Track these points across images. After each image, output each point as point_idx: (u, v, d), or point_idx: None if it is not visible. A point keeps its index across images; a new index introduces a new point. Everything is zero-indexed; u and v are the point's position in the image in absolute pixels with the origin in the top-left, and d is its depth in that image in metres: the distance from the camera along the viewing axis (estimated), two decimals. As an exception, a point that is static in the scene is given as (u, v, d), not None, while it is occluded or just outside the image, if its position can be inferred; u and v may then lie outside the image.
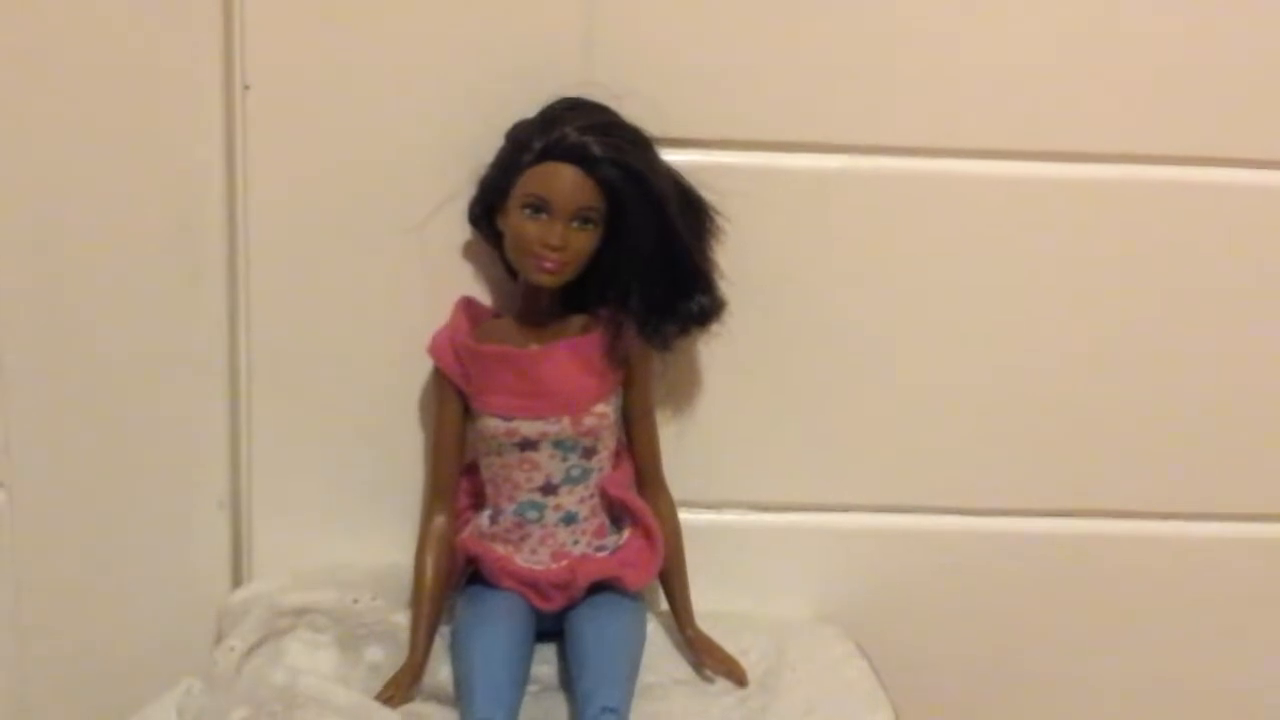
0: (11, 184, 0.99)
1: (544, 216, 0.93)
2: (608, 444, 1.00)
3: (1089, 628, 1.13)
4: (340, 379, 1.04)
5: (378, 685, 0.96)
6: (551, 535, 0.99)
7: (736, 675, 1.00)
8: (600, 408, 0.97)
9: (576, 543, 1.00)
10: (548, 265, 0.93)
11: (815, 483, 1.09)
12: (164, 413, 1.04)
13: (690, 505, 1.06)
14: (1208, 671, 1.15)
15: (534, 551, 0.99)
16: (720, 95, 1.00)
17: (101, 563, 1.07)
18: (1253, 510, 1.12)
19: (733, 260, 0.99)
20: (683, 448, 1.06)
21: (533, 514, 0.98)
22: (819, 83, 1.00)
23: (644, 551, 1.00)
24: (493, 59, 0.98)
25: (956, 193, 1.03)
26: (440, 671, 0.97)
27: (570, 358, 0.96)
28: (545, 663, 1.00)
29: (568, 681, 0.97)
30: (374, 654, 1.00)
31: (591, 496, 1.00)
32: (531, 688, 0.97)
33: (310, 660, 0.99)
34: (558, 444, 0.97)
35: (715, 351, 1.04)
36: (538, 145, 0.92)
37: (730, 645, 1.01)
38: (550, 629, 1.00)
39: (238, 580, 1.08)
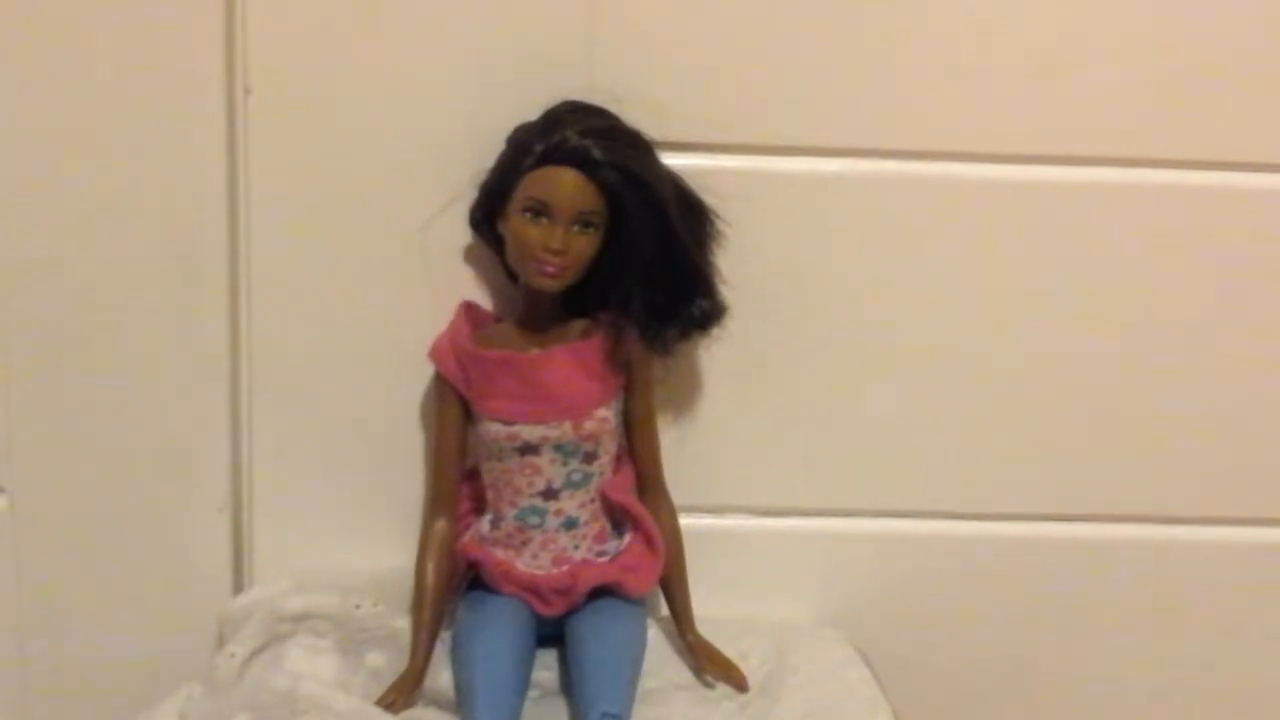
0: (14, 188, 0.99)
1: (545, 220, 0.93)
2: (609, 449, 0.99)
3: (1091, 632, 1.13)
4: (341, 383, 1.04)
5: (379, 690, 0.96)
6: (552, 540, 0.99)
7: (737, 681, 0.99)
8: (601, 412, 0.97)
9: (577, 548, 0.99)
10: (549, 269, 0.93)
11: (816, 487, 1.09)
12: (165, 417, 1.04)
13: (691, 510, 1.06)
14: (1213, 675, 1.15)
15: (535, 556, 0.99)
16: (721, 99, 1.00)
17: (102, 568, 1.07)
18: (1258, 515, 1.11)
19: (733, 264, 0.99)
20: (684, 452, 1.06)
21: (534, 519, 0.98)
22: (820, 87, 1.01)
23: (645, 556, 1.00)
24: (494, 62, 0.98)
25: (958, 196, 1.03)
26: (441, 677, 0.97)
27: (571, 362, 0.96)
28: (546, 668, 0.99)
29: (569, 687, 0.97)
30: (375, 659, 1.00)
31: (592, 501, 0.99)
32: (532, 693, 0.97)
33: (311, 665, 0.99)
34: (559, 449, 0.97)
35: (716, 356, 1.04)
36: (539, 149, 0.92)
37: (731, 650, 1.01)
38: (551, 634, 0.99)
39: (239, 585, 1.08)
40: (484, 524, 1.01)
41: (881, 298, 1.05)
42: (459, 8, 0.98)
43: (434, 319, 0.99)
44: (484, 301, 1.02)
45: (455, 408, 0.99)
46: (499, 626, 0.96)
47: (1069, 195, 1.04)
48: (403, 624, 1.00)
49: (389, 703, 0.94)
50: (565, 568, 0.99)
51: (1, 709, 1.09)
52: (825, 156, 1.02)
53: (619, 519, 1.01)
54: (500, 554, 0.99)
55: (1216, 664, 1.15)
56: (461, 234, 1.01)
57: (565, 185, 0.92)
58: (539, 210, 0.92)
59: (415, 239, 1.01)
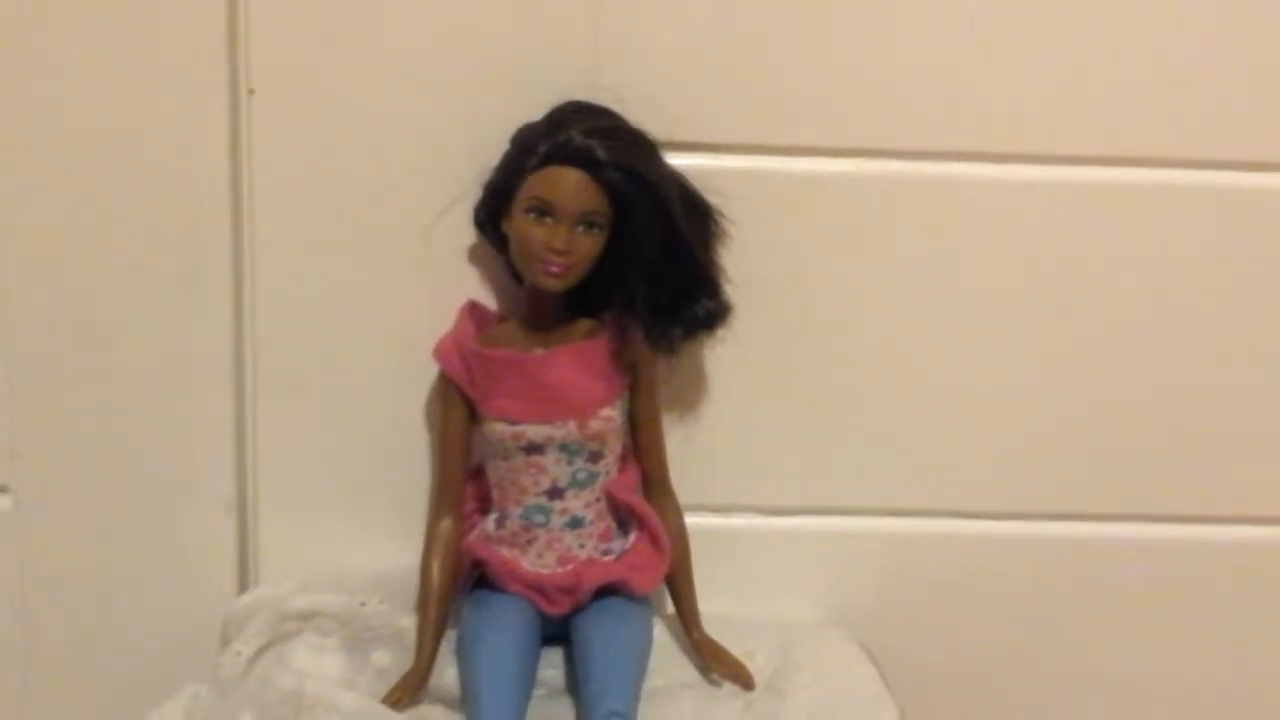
0: (18, 189, 1.00)
1: (549, 220, 0.92)
2: (614, 448, 0.99)
3: (1096, 631, 1.13)
4: (346, 383, 1.04)
5: (384, 689, 0.96)
6: (558, 539, 0.99)
7: (743, 679, 0.99)
8: (606, 412, 0.97)
9: (583, 547, 0.99)
10: (553, 269, 0.93)
11: (822, 486, 1.09)
12: (170, 416, 1.04)
13: (697, 509, 1.06)
14: (1221, 674, 1.15)
15: (540, 555, 0.99)
16: (726, 99, 1.00)
17: (107, 567, 1.07)
18: (1265, 514, 1.11)
19: (738, 264, 0.99)
20: (689, 451, 1.06)
21: (539, 518, 0.98)
22: (824, 87, 1.00)
23: (650, 555, 1.00)
24: (498, 62, 0.98)
25: (963, 196, 1.03)
26: (447, 675, 0.97)
27: (576, 362, 0.96)
28: (552, 667, 1.00)
29: (574, 685, 0.97)
30: (381, 658, 1.00)
31: (598, 500, 0.99)
32: (538, 691, 0.97)
33: (317, 664, 0.99)
34: (564, 448, 0.97)
35: (721, 355, 1.04)
36: (543, 149, 0.92)
37: (737, 648, 1.01)
38: (557, 633, 0.99)
39: (244, 584, 1.08)
40: (489, 523, 1.01)
41: (886, 297, 1.05)
42: (462, 8, 0.98)
43: (438, 318, 0.99)
44: (488, 301, 1.02)
45: (460, 407, 0.99)
46: (504, 625, 0.96)
47: (1075, 195, 1.04)
48: (408, 622, 1.00)
49: (394, 701, 0.94)
50: (570, 567, 0.99)
51: (6, 708, 1.09)
52: (830, 156, 1.02)
53: (624, 518, 1.01)
54: (506, 553, 0.99)
55: (1224, 663, 1.14)
56: (466, 234, 1.01)
57: (569, 185, 0.92)
58: (543, 210, 0.92)
59: (419, 239, 1.01)
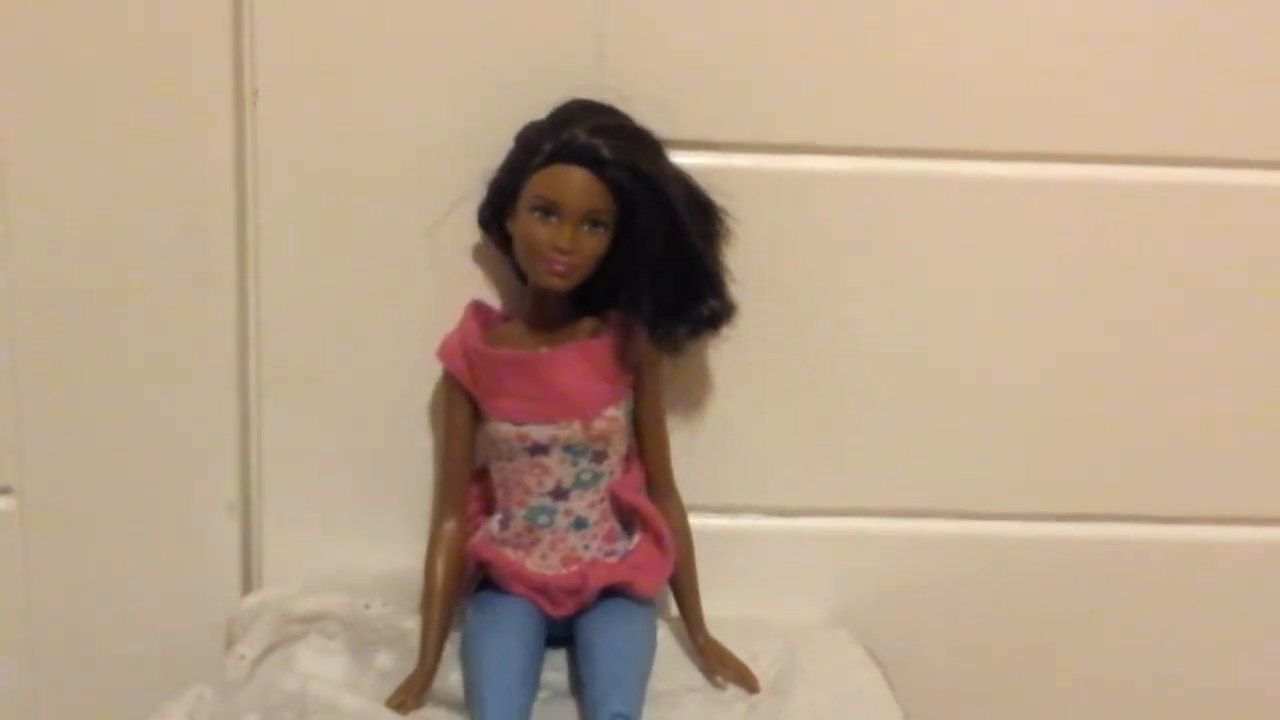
0: (23, 189, 1.00)
1: (553, 219, 0.92)
2: (618, 448, 0.99)
3: (1103, 633, 1.13)
4: (350, 383, 1.04)
5: (388, 691, 0.96)
6: (562, 540, 0.99)
7: (748, 682, 0.99)
8: (611, 412, 0.97)
9: (587, 548, 0.99)
10: (557, 268, 0.93)
11: (827, 487, 1.09)
12: (174, 417, 1.04)
13: (701, 510, 1.05)
14: (1227, 675, 1.14)
15: (544, 556, 0.99)
16: (730, 98, 1.00)
17: (111, 568, 1.07)
18: (1273, 514, 1.11)
19: (743, 263, 0.99)
20: (693, 452, 1.05)
21: (543, 519, 0.98)
22: (830, 85, 1.00)
23: (655, 556, 1.00)
24: (503, 61, 0.98)
25: (968, 195, 1.03)
26: (450, 677, 0.97)
27: (581, 361, 0.96)
28: (556, 669, 0.99)
29: (578, 687, 0.97)
30: (384, 660, 1.00)
31: (602, 501, 0.99)
32: (542, 694, 0.97)
33: (321, 666, 0.99)
34: (568, 448, 0.97)
35: (726, 355, 1.04)
36: (547, 147, 0.92)
37: (741, 651, 1.01)
38: (561, 634, 0.99)
39: (248, 586, 1.08)
40: (493, 524, 1.00)
41: (892, 297, 1.05)
42: (467, 7, 0.98)
43: (443, 318, 0.99)
44: (493, 301, 1.02)
45: (464, 407, 0.99)
46: (508, 627, 0.96)
47: (1082, 194, 1.03)
48: (412, 624, 1.00)
49: (398, 703, 0.94)
50: (575, 568, 0.99)
51: (10, 709, 1.09)
52: (835, 155, 1.01)
53: (628, 519, 1.01)
54: (510, 554, 0.99)
55: (1233, 664, 1.14)
56: (470, 233, 1.01)
57: (574, 184, 0.92)
58: (548, 209, 0.92)
59: (424, 238, 1.01)
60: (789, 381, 1.06)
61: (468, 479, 1.01)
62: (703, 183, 0.97)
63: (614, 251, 0.95)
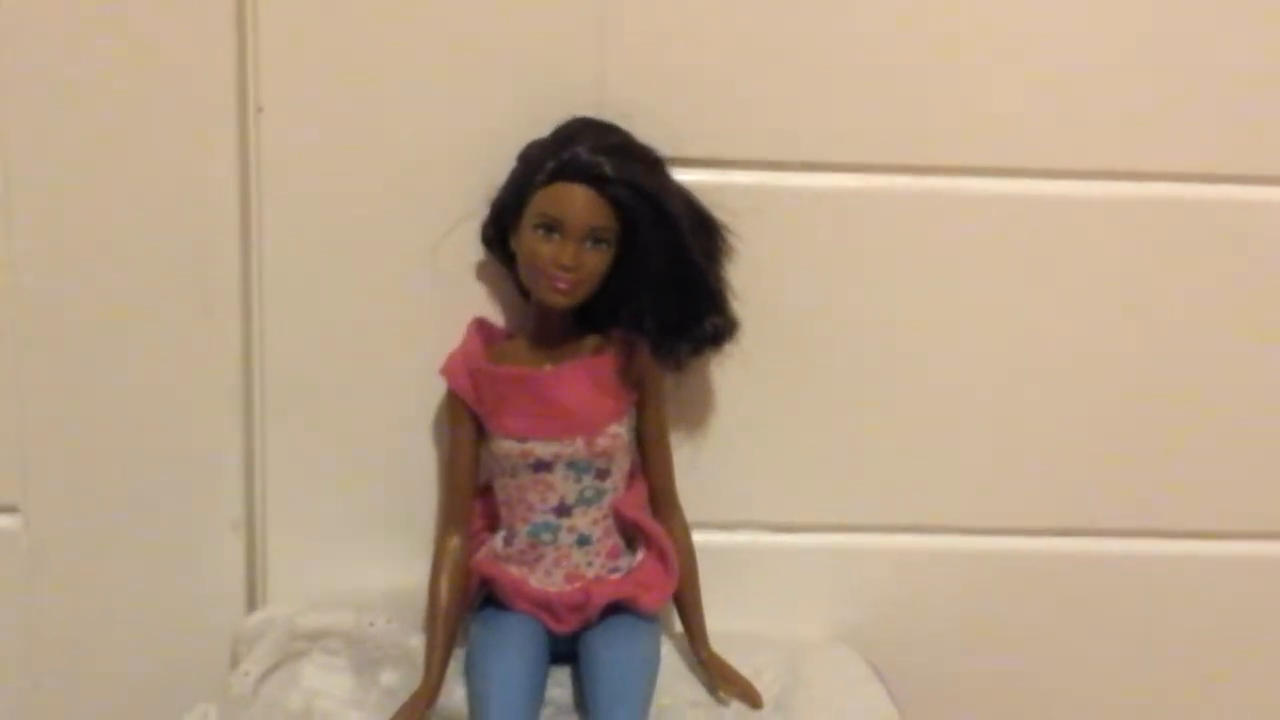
0: (28, 209, 1.00)
1: (556, 237, 0.93)
2: (621, 465, 0.99)
3: (1104, 647, 1.13)
4: (354, 401, 1.04)
5: (393, 708, 0.95)
6: (566, 557, 0.99)
7: (751, 698, 0.99)
8: (614, 428, 0.97)
9: (590, 564, 0.99)
10: (560, 285, 0.93)
11: (829, 503, 1.09)
12: (179, 436, 1.04)
13: (704, 526, 1.05)
14: (1227, 691, 1.14)
15: (548, 573, 0.99)
16: (732, 115, 1.00)
17: (116, 586, 1.07)
18: (1271, 529, 1.11)
19: (745, 280, 0.99)
20: (696, 468, 1.06)
21: (547, 535, 0.98)
22: (830, 103, 1.01)
23: (658, 573, 1.00)
24: (505, 80, 0.99)
25: (970, 212, 1.03)
26: (455, 694, 0.97)
27: (584, 378, 0.96)
28: (559, 685, 0.99)
29: (582, 704, 0.96)
30: (389, 677, 1.00)
31: (605, 518, 0.99)
32: (546, 710, 0.97)
33: (325, 684, 0.99)
34: (572, 465, 0.97)
35: (728, 372, 1.05)
36: (550, 165, 0.92)
37: (744, 666, 1.01)
38: (565, 651, 0.99)
39: (253, 604, 1.08)
40: (497, 541, 1.00)
41: (894, 313, 1.05)
42: (470, 25, 0.98)
43: (446, 336, 0.99)
44: (496, 318, 1.03)
45: (468, 424, 0.99)
46: (512, 644, 0.96)
47: (1084, 210, 1.04)
48: (417, 642, 1.00)
49: (403, 720, 0.94)
50: (578, 584, 0.99)
51: (15, 728, 1.09)
52: (836, 172, 1.02)
53: (632, 535, 1.01)
54: (514, 571, 0.99)
55: (1232, 680, 1.14)
56: (474, 250, 1.01)
57: (577, 201, 0.92)
58: (551, 226, 0.93)
59: (427, 256, 1.01)
60: (791, 398, 1.06)
61: (472, 496, 1.01)
62: (705, 200, 0.97)
63: (617, 269, 0.95)
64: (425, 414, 1.04)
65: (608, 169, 0.91)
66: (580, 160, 0.92)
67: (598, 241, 0.93)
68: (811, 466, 1.08)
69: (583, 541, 0.99)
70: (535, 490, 0.97)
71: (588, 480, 0.98)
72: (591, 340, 0.99)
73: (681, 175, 0.97)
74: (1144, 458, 1.09)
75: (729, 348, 0.99)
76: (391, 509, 1.06)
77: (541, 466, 0.97)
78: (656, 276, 0.94)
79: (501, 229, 0.97)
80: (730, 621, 1.04)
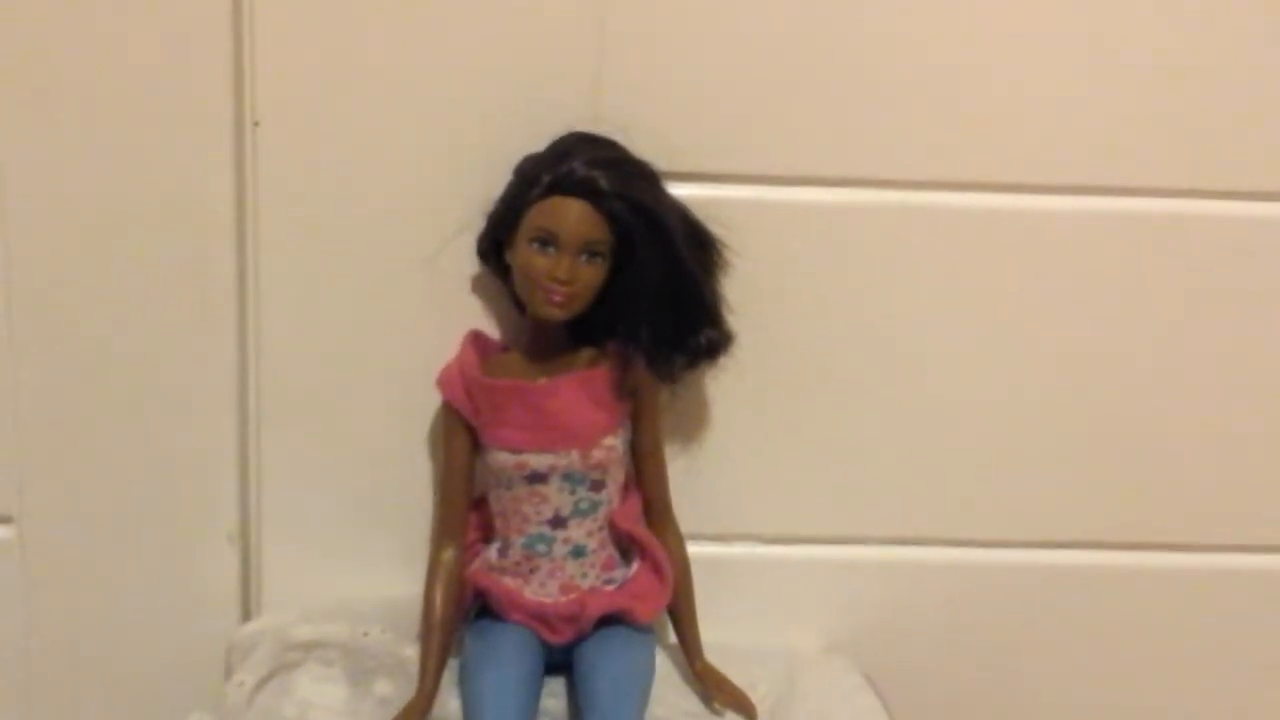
0: (25, 220, 1.00)
1: (552, 250, 0.93)
2: (616, 477, 1.00)
3: (1097, 660, 1.13)
4: (350, 412, 1.04)
5: (387, 719, 0.96)
6: (560, 568, 0.99)
7: (746, 709, 0.99)
8: (609, 441, 0.97)
9: (585, 576, 1.00)
10: (556, 298, 0.93)
11: (824, 515, 1.09)
12: (174, 446, 1.04)
13: (699, 538, 1.05)
14: (1223, 703, 1.15)
15: (543, 584, 0.99)
16: (728, 130, 1.00)
17: (111, 596, 1.07)
18: (1268, 542, 1.11)
19: (740, 293, 1.00)
20: (691, 480, 1.06)
21: (541, 547, 0.99)
22: (826, 117, 1.01)
23: (653, 584, 1.00)
24: (502, 94, 0.99)
25: (965, 226, 1.03)
26: (450, 705, 0.97)
27: (579, 391, 0.97)
28: (554, 696, 0.99)
29: (577, 715, 0.97)
30: (383, 687, 1.00)
31: (600, 529, 1.00)
32: (540, 721, 0.97)
33: (320, 694, 0.99)
34: (566, 477, 0.97)
35: (723, 384, 1.05)
36: (546, 179, 0.93)
37: (739, 678, 1.01)
38: (559, 662, 0.99)
39: (247, 614, 1.08)
40: (492, 552, 1.01)
41: (888, 327, 1.05)
42: (466, 39, 0.98)
43: (442, 348, 0.99)
44: (491, 331, 1.03)
45: (463, 436, 0.99)
46: (507, 655, 0.96)
47: (1080, 225, 1.04)
48: (411, 652, 1.00)
49: (397, 731, 0.94)
50: (573, 596, 0.99)
51: (10, 738, 1.09)
52: (832, 186, 1.02)
53: (626, 547, 1.01)
54: (508, 582, 0.99)
55: (1228, 692, 1.15)
56: (469, 264, 1.01)
57: (572, 215, 0.92)
58: (546, 240, 0.93)
59: (423, 269, 1.01)
60: (786, 410, 1.06)
61: (466, 508, 1.01)
62: (700, 214, 0.97)
63: (612, 282, 0.95)
64: (421, 426, 1.04)
65: (603, 183, 0.92)
66: (576, 174, 0.92)
67: (593, 255, 0.93)
68: (806, 479, 1.08)
69: (577, 553, 0.99)
70: (530, 502, 0.98)
71: (582, 492, 0.98)
72: (586, 353, 0.99)
73: (677, 189, 0.97)
74: (1137, 471, 1.09)
75: (724, 361, 0.99)
76: (386, 520, 1.06)
77: (536, 478, 0.97)
78: (652, 290, 0.94)
79: (497, 242, 0.97)
80: (725, 633, 1.04)
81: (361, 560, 1.07)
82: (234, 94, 0.99)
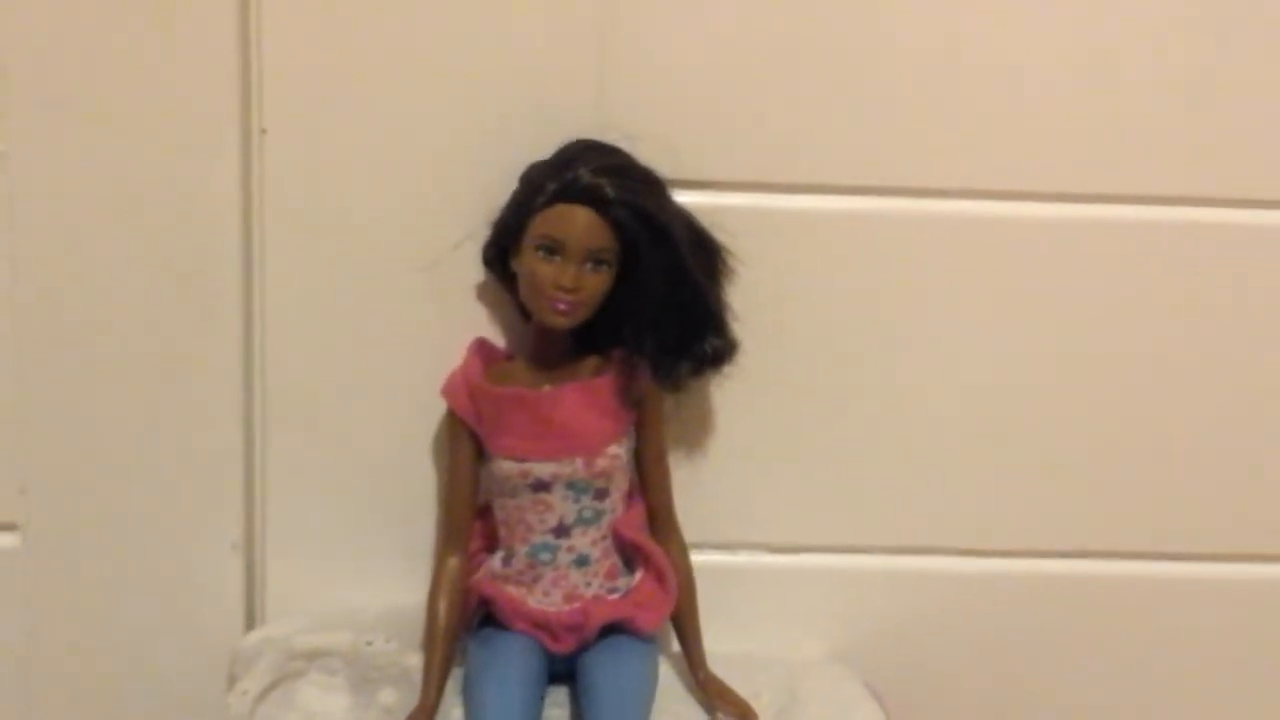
0: (31, 225, 1.00)
1: (557, 258, 0.93)
2: (620, 485, 1.00)
3: (1102, 669, 1.13)
4: (354, 420, 1.04)
5: (390, 728, 0.96)
6: (564, 577, 0.99)
7: (749, 718, 0.99)
8: (613, 449, 0.97)
9: (589, 584, 0.99)
10: (561, 306, 0.94)
11: (827, 524, 1.09)
12: (179, 455, 1.04)
13: (702, 546, 1.05)
14: (1226, 712, 1.14)
15: (546, 593, 0.99)
16: (733, 137, 1.01)
17: (114, 605, 1.07)
18: (1270, 551, 1.11)
19: (745, 301, 1.00)
20: (695, 489, 1.06)
21: (545, 555, 0.98)
22: (832, 125, 1.01)
23: (656, 593, 1.00)
24: (507, 101, 0.99)
25: (970, 234, 1.04)
26: (453, 714, 0.97)
27: (583, 399, 0.97)
28: (557, 705, 0.99)
29: (580, 724, 0.97)
30: (387, 697, 1.00)
31: (604, 538, 1.00)
32: (544, 730, 0.97)
33: (323, 703, 0.99)
34: (570, 485, 0.97)
35: (728, 392, 1.05)
36: (551, 187, 0.93)
37: (742, 686, 1.01)
38: (563, 671, 0.99)
39: (251, 623, 1.08)
40: (495, 561, 1.01)
41: (893, 335, 1.05)
42: (472, 47, 0.98)
43: (446, 356, 0.99)
44: (496, 339, 1.03)
45: (467, 445, 0.99)
46: (510, 664, 0.96)
47: (1084, 232, 1.04)
48: (415, 661, 1.00)
49: (401, 740, 0.94)
50: (577, 604, 0.99)
51: (13, 747, 1.09)
52: (837, 194, 1.02)
53: (630, 555, 1.01)
54: (512, 591, 0.99)
55: (1232, 702, 1.14)
56: (474, 271, 1.01)
57: (578, 223, 0.92)
58: (551, 248, 0.93)
59: (428, 276, 1.01)
60: (790, 419, 1.06)
61: (471, 516, 1.01)
62: (705, 221, 0.98)
63: (617, 290, 0.95)
64: (425, 434, 1.04)
65: (609, 191, 0.92)
66: (582, 182, 0.92)
67: (598, 263, 0.94)
68: (810, 487, 1.08)
69: (581, 562, 0.99)
70: (534, 511, 0.98)
71: (586, 501, 0.98)
72: (591, 361, 0.99)
73: (682, 197, 0.98)
74: (1141, 480, 1.09)
75: (729, 369, 0.99)
76: (391, 529, 1.06)
77: (540, 487, 0.97)
78: (657, 298, 0.95)
79: (502, 250, 0.98)
80: (728, 642, 1.04)
81: (365, 569, 1.07)
82: (241, 102, 0.99)
